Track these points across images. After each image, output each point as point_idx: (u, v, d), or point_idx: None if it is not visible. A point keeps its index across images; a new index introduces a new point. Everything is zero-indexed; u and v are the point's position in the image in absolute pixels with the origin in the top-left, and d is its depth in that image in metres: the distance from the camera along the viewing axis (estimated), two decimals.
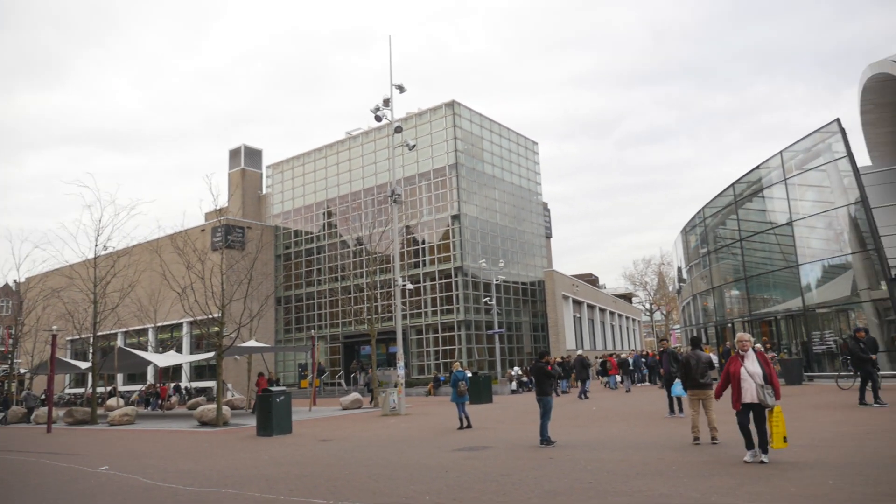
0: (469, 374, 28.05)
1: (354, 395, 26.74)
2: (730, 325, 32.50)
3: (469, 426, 15.39)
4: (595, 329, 56.29)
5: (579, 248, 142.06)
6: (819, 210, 25.40)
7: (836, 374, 21.10)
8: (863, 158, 34.16)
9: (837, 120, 23.88)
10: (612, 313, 61.86)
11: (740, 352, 8.45)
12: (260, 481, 9.19)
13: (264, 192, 55.16)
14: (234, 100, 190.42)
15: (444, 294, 41.17)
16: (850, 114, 31.40)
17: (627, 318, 68.95)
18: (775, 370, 19.50)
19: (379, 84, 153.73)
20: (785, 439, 7.91)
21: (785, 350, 26.69)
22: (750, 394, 8.11)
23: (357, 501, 7.40)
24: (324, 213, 48.52)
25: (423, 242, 43.13)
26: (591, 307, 55.51)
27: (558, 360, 32.35)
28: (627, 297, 76.49)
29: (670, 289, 71.18)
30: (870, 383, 14.34)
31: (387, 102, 24.76)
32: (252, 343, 28.61)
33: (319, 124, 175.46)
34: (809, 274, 25.82)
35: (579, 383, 26.07)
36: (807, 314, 25.56)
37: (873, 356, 14.42)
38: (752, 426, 8.26)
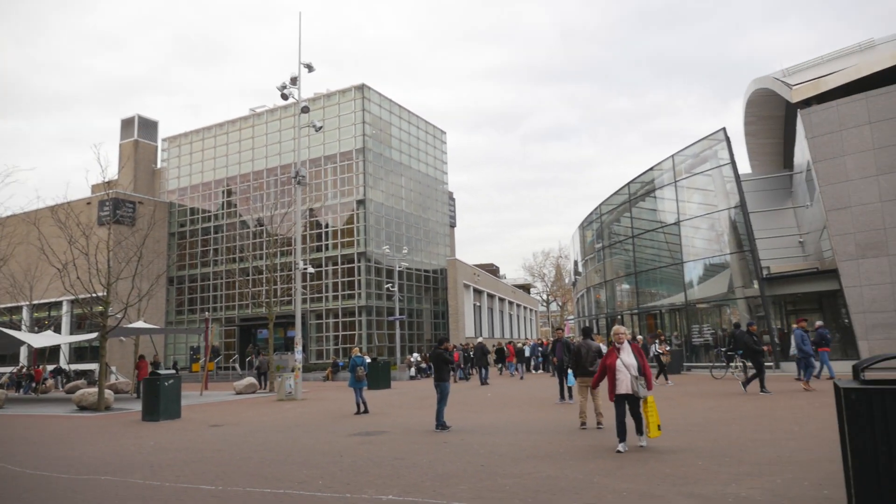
0: (368, 360, 28.03)
1: (249, 380, 26.04)
2: (619, 316, 34.20)
3: (366, 411, 15.38)
4: (494, 318, 57.60)
5: (482, 239, 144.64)
6: (703, 212, 27.17)
7: (711, 364, 22.74)
8: (744, 166, 36.86)
9: (723, 129, 25.58)
10: (510, 303, 63.51)
11: (616, 344, 8.58)
12: (144, 468, 8.80)
13: (159, 166, 52.35)
14: (129, 66, 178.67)
15: (346, 279, 40.78)
16: (737, 124, 33.85)
17: (525, 307, 71.02)
18: (666, 359, 20.78)
19: (287, 62, 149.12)
20: (659, 427, 8.25)
21: (666, 342, 28.41)
22: (625, 385, 8.29)
23: (248, 487, 7.24)
24: (223, 192, 46.70)
25: (327, 226, 42.47)
26: (491, 296, 56.72)
27: (456, 347, 32.89)
28: (526, 288, 78.78)
29: (567, 281, 73.93)
30: (748, 373, 15.62)
31: (294, 81, 24.12)
32: (140, 324, 27.19)
33: (222, 99, 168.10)
34: (692, 271, 27.60)
35: (479, 370, 26.64)
36: (688, 308, 27.33)
37: (766, 347, 15.61)
38: (628, 418, 8.59)
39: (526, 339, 58.06)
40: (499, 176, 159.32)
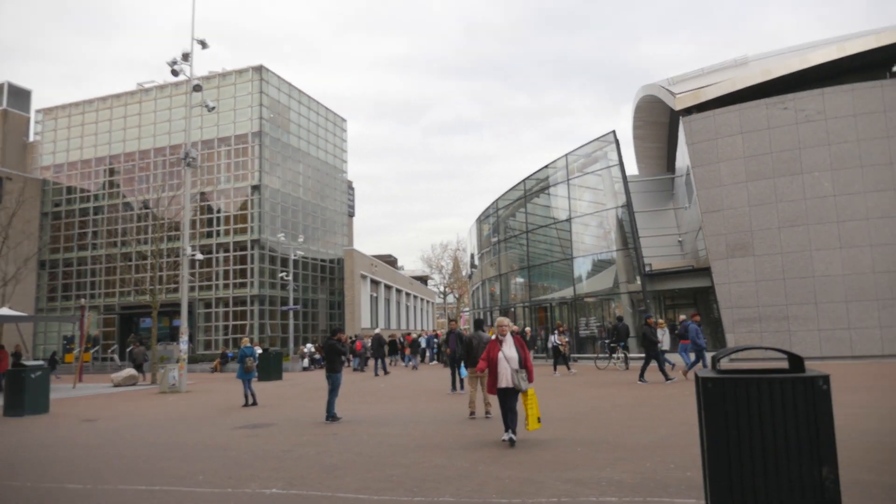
0: (259, 351, 27.25)
1: (129, 371, 24.61)
2: (512, 309, 35.18)
3: (254, 403, 14.97)
4: (391, 309, 57.62)
5: (381, 230, 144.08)
6: (593, 210, 28.41)
7: (595, 355, 23.87)
8: (633, 168, 38.87)
9: (613, 132, 26.86)
10: (408, 294, 63.76)
11: (499, 336, 8.40)
12: (2, 468, 8.12)
13: (31, 139, 48.20)
14: None
15: (238, 267, 39.40)
16: (628, 127, 35.77)
17: (422, 299, 71.55)
18: (566, 350, 21.46)
19: (180, 37, 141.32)
20: (539, 420, 8.11)
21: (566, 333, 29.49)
22: (505, 378, 8.13)
23: (120, 485, 6.87)
24: (105, 171, 43.67)
25: (219, 211, 40.80)
26: (388, 287, 56.68)
27: (351, 337, 32.66)
28: (423, 280, 79.32)
29: (464, 273, 75.09)
30: (628, 363, 16.51)
31: (186, 57, 22.93)
32: (5, 311, 25.01)
33: (107, 71, 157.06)
34: (581, 266, 28.83)
35: (375, 361, 26.58)
36: (576, 302, 28.53)
37: (656, 342, 16.39)
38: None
39: (423, 330, 58.49)
40: (400, 167, 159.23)
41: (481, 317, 39.28)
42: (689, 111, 24.02)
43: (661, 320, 20.84)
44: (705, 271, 23.33)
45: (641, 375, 16.16)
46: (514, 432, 8.22)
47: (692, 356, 17.21)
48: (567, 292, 29.16)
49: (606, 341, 23.04)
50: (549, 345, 21.90)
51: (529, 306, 32.79)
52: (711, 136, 22.98)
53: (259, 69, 41.04)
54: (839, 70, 22.71)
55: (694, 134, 23.37)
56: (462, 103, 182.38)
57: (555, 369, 20.88)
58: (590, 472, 6.55)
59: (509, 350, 8.27)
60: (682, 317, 19.39)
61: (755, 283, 21.81)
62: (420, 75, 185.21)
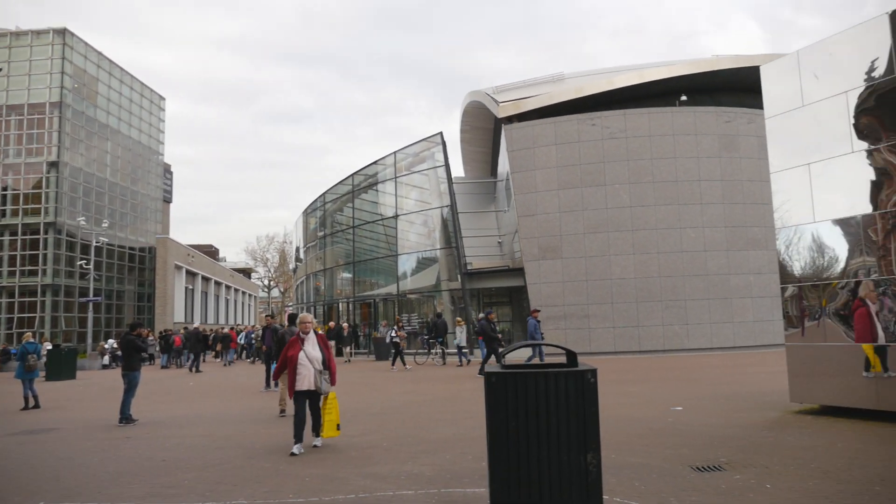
0: (49, 346, 24.44)
1: None
2: (337, 305, 34.90)
3: (37, 406, 13.40)
4: (209, 302, 54.54)
5: (204, 218, 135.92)
6: (419, 209, 29.03)
7: (416, 351, 24.40)
8: (460, 170, 40.30)
9: (440, 133, 27.67)
10: (228, 287, 60.76)
11: (301, 334, 7.77)
12: None
13: None
14: None
15: (29, 252, 35.07)
16: (457, 130, 37.03)
17: (245, 293, 68.58)
18: (403, 346, 21.48)
19: None
20: (338, 427, 7.67)
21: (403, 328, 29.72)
22: (307, 381, 7.56)
23: None
24: None
25: (6, 189, 35.97)
26: (206, 279, 53.60)
27: (163, 332, 30.42)
28: (247, 273, 76.07)
29: (290, 267, 73.17)
30: (445, 359, 17.02)
31: None
32: None
33: None
34: (406, 263, 29.35)
35: (189, 357, 24.98)
36: (400, 298, 28.98)
37: (495, 337, 16.92)
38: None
39: (244, 325, 56.00)
40: (228, 153, 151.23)
41: (294, 311, 38.55)
42: (510, 120, 25.40)
43: (458, 318, 21.94)
44: (520, 271, 24.82)
45: (481, 370, 16.84)
46: (317, 434, 7.71)
47: (531, 351, 18.28)
48: (392, 288, 29.53)
49: (425, 337, 23.64)
50: (387, 340, 21.92)
51: (354, 302, 32.73)
52: (529, 145, 24.49)
53: (62, 32, 36.81)
54: (639, 94, 25.30)
55: (514, 141, 24.76)
56: (296, 93, 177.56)
57: (392, 364, 20.88)
58: (391, 467, 6.65)
59: (312, 349, 7.68)
60: (481, 315, 20.50)
61: (562, 284, 23.62)
62: (253, 59, 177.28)
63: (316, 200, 37.07)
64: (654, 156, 23.70)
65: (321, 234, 36.94)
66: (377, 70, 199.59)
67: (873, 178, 8.40)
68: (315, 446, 7.70)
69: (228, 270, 63.49)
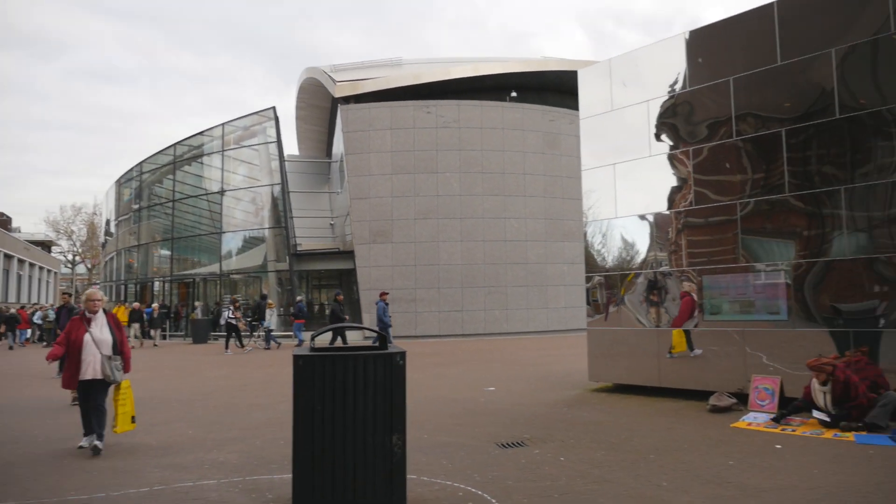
0: None
1: None
2: (152, 283, 32.40)
3: None
4: None
5: None
6: (247, 185, 27.72)
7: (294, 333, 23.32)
8: (293, 147, 39.06)
9: (273, 108, 26.60)
10: (22, 261, 53.96)
11: (88, 313, 6.74)
12: None
13: None
14: None
15: None
16: (293, 107, 35.78)
17: (42, 268, 61.35)
18: (243, 327, 20.15)
19: None
20: (133, 419, 6.82)
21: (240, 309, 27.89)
22: (93, 368, 6.54)
23: None
24: None
25: None
26: None
27: None
28: (47, 246, 68.05)
29: (100, 241, 66.62)
30: (269, 342, 16.42)
31: None
32: None
33: None
34: (231, 242, 27.93)
35: None
36: (223, 278, 27.54)
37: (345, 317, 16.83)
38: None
39: (43, 305, 50.04)
40: (28, 110, 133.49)
41: (117, 290, 35.40)
42: (347, 100, 25.02)
43: (270, 301, 21.57)
44: (350, 254, 24.64)
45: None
46: (100, 438, 6.49)
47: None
48: (214, 268, 27.96)
49: (248, 319, 22.69)
50: (222, 321, 20.59)
51: (171, 281, 30.57)
52: (365, 128, 24.31)
53: None
54: (474, 86, 26.09)
55: (349, 123, 24.44)
56: (115, 49, 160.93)
57: (227, 347, 19.62)
58: (195, 456, 6.27)
59: (100, 331, 6.65)
60: (300, 297, 20.24)
61: (391, 268, 23.83)
62: (60, 3, 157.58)
63: (132, 170, 33.97)
64: (484, 147, 24.61)
65: (136, 206, 33.96)
66: (208, 35, 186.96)
67: (667, 180, 9.36)
68: (96, 448, 6.38)
69: (23, 243, 56.31)
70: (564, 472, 5.32)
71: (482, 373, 12.86)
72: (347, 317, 18.05)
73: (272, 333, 20.86)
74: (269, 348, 20.03)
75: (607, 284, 10.04)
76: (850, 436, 6.14)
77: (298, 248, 26.15)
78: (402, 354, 4.36)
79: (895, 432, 6.15)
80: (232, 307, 20.81)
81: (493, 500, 4.65)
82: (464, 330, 23.67)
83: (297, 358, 4.20)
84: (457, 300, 23.85)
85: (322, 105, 32.82)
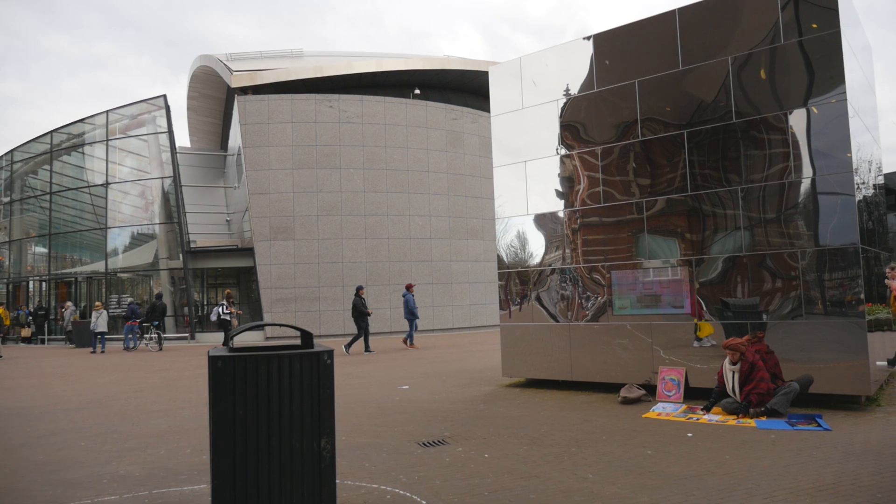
0: None
1: None
2: (26, 283, 29.75)
3: None
4: None
5: None
6: (135, 177, 26.00)
7: (124, 336, 21.87)
8: (185, 139, 37.10)
9: (164, 96, 25.06)
10: None
11: None
12: None
13: None
14: None
15: None
16: (185, 97, 33.91)
17: None
18: (236, 324, 18.83)
19: None
20: None
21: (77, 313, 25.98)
22: None
23: None
24: None
25: None
26: None
27: None
28: None
29: None
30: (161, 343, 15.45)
31: None
32: None
33: None
34: (117, 238, 26.09)
35: None
36: (109, 277, 25.69)
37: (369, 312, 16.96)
38: None
39: None
40: None
41: None
42: (245, 91, 24.02)
43: (98, 302, 20.78)
44: (249, 251, 23.68)
45: (367, 347, 16.85)
46: None
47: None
48: (99, 266, 26.01)
49: (139, 320, 21.30)
50: (214, 317, 19.06)
51: (49, 280, 28.18)
52: (264, 120, 23.43)
53: None
54: (377, 82, 25.81)
55: (248, 115, 23.47)
56: None
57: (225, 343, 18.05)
58: (90, 470, 5.72)
59: None
60: (130, 299, 19.36)
61: (293, 266, 23.12)
62: None
63: (1, 159, 31.00)
64: (388, 144, 24.38)
65: (6, 199, 31.00)
66: (90, 18, 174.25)
67: (576, 178, 9.59)
68: None
69: None
70: (491, 469, 5.28)
71: (394, 371, 12.69)
72: (371, 311, 17.56)
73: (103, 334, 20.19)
74: (94, 352, 19.67)
75: (519, 281, 10.16)
76: (752, 422, 6.52)
77: (193, 245, 24.84)
78: (330, 353, 4.14)
79: (791, 417, 6.59)
80: (226, 303, 19.08)
81: (423, 502, 4.53)
82: (370, 328, 23.30)
83: (214, 359, 3.88)
84: None
85: (216, 95, 31.38)
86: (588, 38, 9.71)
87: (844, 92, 7.38)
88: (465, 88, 27.71)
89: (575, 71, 9.73)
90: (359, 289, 17.56)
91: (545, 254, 9.89)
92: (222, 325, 18.83)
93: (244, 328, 4.61)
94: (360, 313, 17.01)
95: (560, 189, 9.77)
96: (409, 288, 18.35)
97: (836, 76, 7.46)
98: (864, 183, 8.38)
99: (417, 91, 26.56)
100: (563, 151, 9.74)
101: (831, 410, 6.93)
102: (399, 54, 28.89)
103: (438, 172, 25.18)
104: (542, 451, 5.82)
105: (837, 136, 7.44)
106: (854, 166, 7.44)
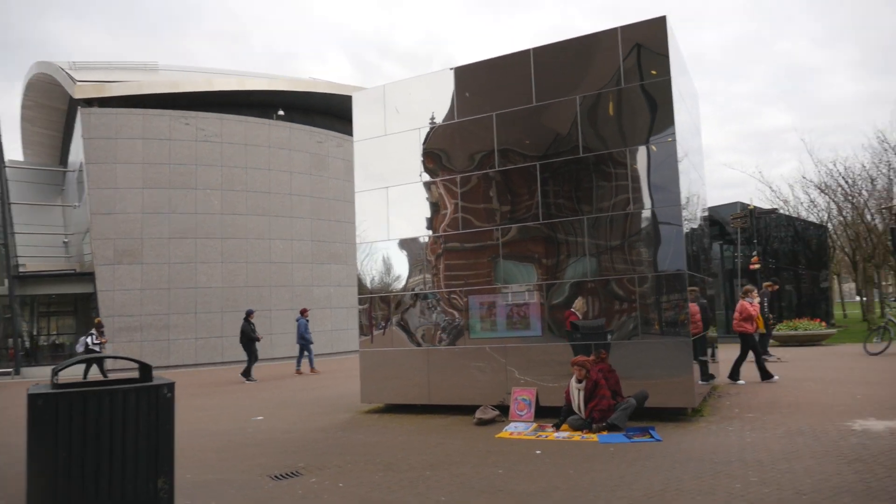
0: None
1: None
2: None
3: None
4: None
5: None
6: None
7: None
8: (17, 153, 33.63)
9: None
10: None
11: None
12: None
13: None
14: None
15: None
16: (18, 106, 30.72)
17: None
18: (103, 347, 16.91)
19: None
20: None
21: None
22: None
23: None
24: None
25: None
26: None
27: None
28: None
29: None
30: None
31: None
32: None
33: None
34: None
35: None
36: None
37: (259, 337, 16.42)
38: None
39: None
40: None
41: None
42: (90, 103, 22.28)
43: None
44: (90, 276, 21.77)
45: (248, 374, 16.15)
46: None
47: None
48: None
49: None
50: (80, 347, 16.68)
51: None
52: (111, 135, 21.82)
53: None
54: (238, 101, 24.97)
55: (92, 129, 21.74)
56: None
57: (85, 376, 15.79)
58: None
59: None
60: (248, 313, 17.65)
61: (140, 292, 21.55)
62: None
63: None
64: (248, 165, 23.59)
65: None
66: None
67: (436, 205, 9.80)
68: None
69: None
70: (344, 499, 5.17)
71: (248, 401, 12.13)
72: (260, 337, 16.69)
73: None
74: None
75: (379, 306, 10.15)
76: (595, 437, 6.91)
77: (22, 270, 22.43)
78: (170, 386, 3.90)
79: (629, 430, 7.08)
80: (95, 332, 16.95)
81: None
82: (224, 357, 22.18)
83: (35, 397, 3.51)
84: (216, 325, 22.32)
85: (56, 106, 28.79)
86: (451, 69, 10.03)
87: (674, 133, 8.18)
88: (331, 112, 27.51)
89: (437, 101, 9.99)
90: (248, 313, 16.88)
91: (407, 278, 9.96)
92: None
93: (69, 363, 4.22)
94: (248, 339, 16.43)
95: (422, 215, 9.92)
96: (303, 313, 18.18)
97: (667, 118, 8.26)
98: (691, 216, 9.28)
99: (281, 112, 25.99)
100: (426, 178, 9.92)
101: (663, 422, 7.52)
102: (263, 74, 28.16)
103: (302, 195, 24.70)
104: (398, 476, 5.80)
105: (669, 173, 8.20)
106: (683, 200, 8.23)
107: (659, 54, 8.36)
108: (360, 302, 10.38)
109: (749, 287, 12.27)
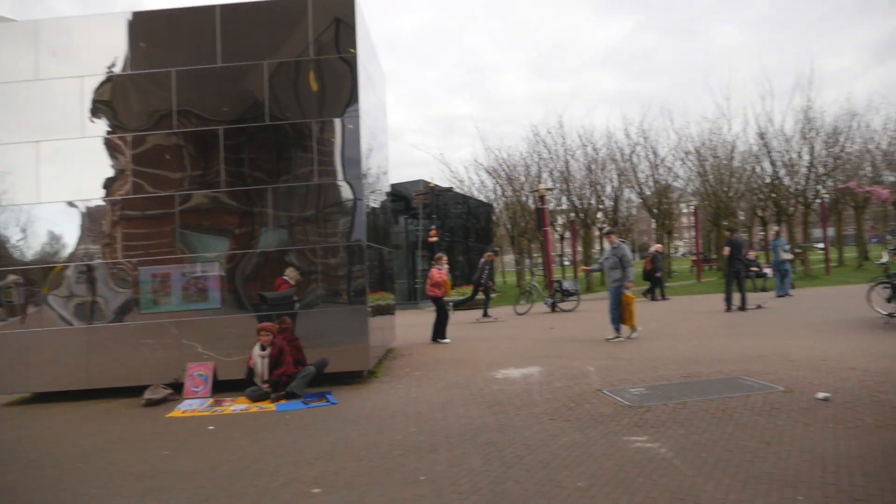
0: None
1: None
2: None
3: None
4: None
5: None
6: None
7: None
8: None
9: None
10: None
11: None
12: None
13: None
14: None
15: None
16: None
17: None
18: None
19: None
20: None
21: None
22: None
23: None
24: None
25: None
26: None
27: None
28: None
29: None
30: None
31: None
32: None
33: None
34: None
35: None
36: None
37: None
38: None
39: None
40: None
41: None
42: None
43: None
44: None
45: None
46: None
47: None
48: None
49: None
50: None
51: None
52: None
53: None
54: None
55: None
56: None
57: None
58: None
59: None
60: None
61: None
62: None
63: None
64: None
65: None
66: None
67: (103, 166, 8.69)
68: None
69: None
70: None
71: None
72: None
73: None
74: None
75: (27, 281, 8.69)
76: (273, 406, 6.94)
77: None
78: None
79: (307, 397, 7.25)
80: None
81: None
82: None
83: None
84: None
85: None
86: (123, 14, 8.91)
87: (358, 110, 8.49)
88: None
89: (106, 48, 8.80)
90: None
91: (61, 249, 8.69)
92: None
93: None
94: None
95: (83, 176, 8.71)
96: None
97: (353, 95, 8.53)
98: (374, 190, 9.77)
99: None
100: (89, 134, 8.72)
101: (341, 386, 7.88)
102: None
103: None
104: (39, 474, 5.07)
105: (352, 148, 8.50)
106: (365, 176, 8.61)
107: (348, 31, 8.56)
108: (3, 276, 8.76)
109: (439, 255, 13.34)
